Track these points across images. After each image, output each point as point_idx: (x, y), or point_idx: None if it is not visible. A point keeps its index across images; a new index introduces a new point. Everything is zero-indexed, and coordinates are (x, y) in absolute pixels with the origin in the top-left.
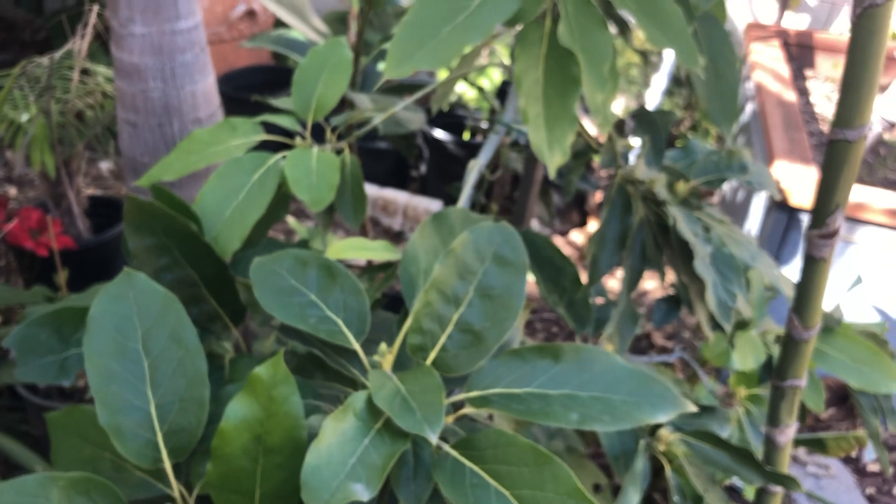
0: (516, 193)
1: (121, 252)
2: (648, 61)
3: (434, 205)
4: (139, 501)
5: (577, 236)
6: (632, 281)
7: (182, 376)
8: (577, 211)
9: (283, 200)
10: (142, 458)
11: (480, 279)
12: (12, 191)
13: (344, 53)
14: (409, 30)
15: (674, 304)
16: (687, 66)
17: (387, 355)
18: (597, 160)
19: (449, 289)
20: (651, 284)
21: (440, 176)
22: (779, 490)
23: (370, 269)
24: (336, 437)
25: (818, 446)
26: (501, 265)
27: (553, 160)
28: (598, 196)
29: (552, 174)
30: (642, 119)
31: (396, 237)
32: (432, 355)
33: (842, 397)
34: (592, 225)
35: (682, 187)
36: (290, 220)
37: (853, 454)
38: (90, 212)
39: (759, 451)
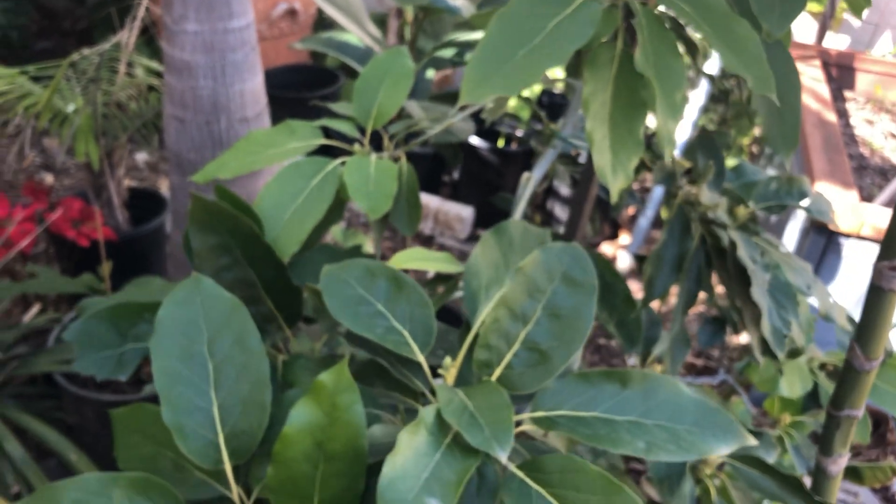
0: (548, 202)
1: (159, 245)
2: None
3: (465, 210)
4: (198, 502)
5: (608, 248)
6: (686, 304)
7: (245, 380)
8: (608, 223)
9: (338, 206)
10: (203, 458)
11: (549, 298)
12: (49, 179)
13: (405, 63)
14: (485, 52)
15: (720, 326)
16: (761, 93)
17: (451, 369)
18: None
19: (518, 306)
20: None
21: (473, 182)
22: None
23: (431, 281)
24: (410, 450)
25: (854, 475)
26: (571, 286)
27: (616, 184)
28: (630, 209)
29: (614, 198)
30: (704, 141)
31: (426, 241)
32: (497, 372)
33: (875, 424)
34: (623, 238)
35: (742, 212)
36: (335, 228)
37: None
38: (128, 203)
39: (801, 477)
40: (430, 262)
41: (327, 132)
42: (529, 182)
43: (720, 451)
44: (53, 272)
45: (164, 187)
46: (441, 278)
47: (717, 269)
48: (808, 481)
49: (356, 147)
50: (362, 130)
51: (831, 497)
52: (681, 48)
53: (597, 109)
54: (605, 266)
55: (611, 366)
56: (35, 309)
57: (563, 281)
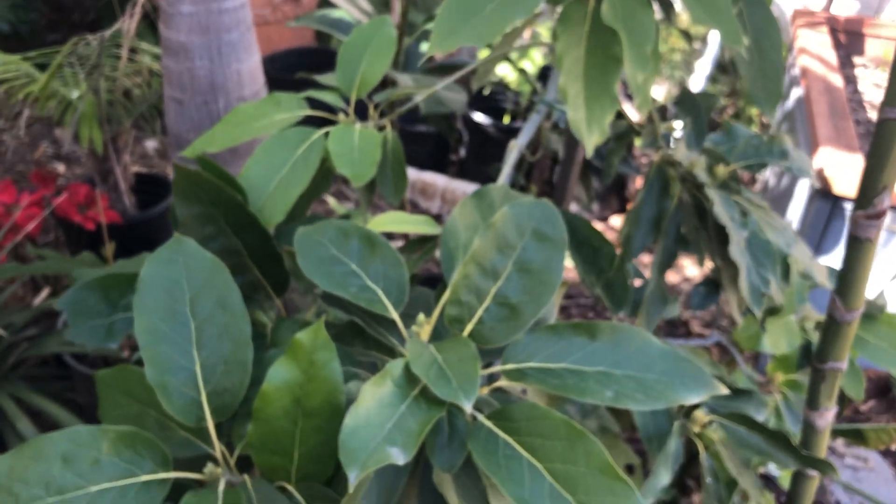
0: (555, 177)
1: (166, 228)
2: (692, 47)
3: (472, 188)
4: (182, 459)
5: (617, 221)
6: (663, 262)
7: (227, 339)
8: (616, 197)
9: (325, 176)
10: (186, 416)
11: (519, 254)
12: (60, 167)
13: (388, 31)
14: (454, 6)
15: (712, 288)
16: (730, 46)
17: (425, 326)
18: (638, 144)
19: (488, 262)
20: (694, 271)
21: (479, 160)
22: (815, 475)
23: (410, 244)
24: (374, 401)
25: (858, 438)
26: (541, 241)
27: (591, 139)
28: (638, 181)
29: (589, 153)
30: (685, 100)
31: (435, 220)
32: (469, 327)
33: (883, 390)
34: None
35: (721, 171)
36: (331, 200)
37: (893, 447)
38: (136, 188)
39: (797, 437)
40: (408, 224)
41: (313, 103)
42: (514, 150)
43: (690, 400)
44: (60, 255)
45: (171, 173)
46: (422, 241)
47: (699, 231)
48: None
49: (341, 117)
50: (347, 100)
51: (820, 451)
52: (657, 10)
53: (570, 65)
54: (591, 230)
55: None
56: (45, 292)
57: (533, 236)
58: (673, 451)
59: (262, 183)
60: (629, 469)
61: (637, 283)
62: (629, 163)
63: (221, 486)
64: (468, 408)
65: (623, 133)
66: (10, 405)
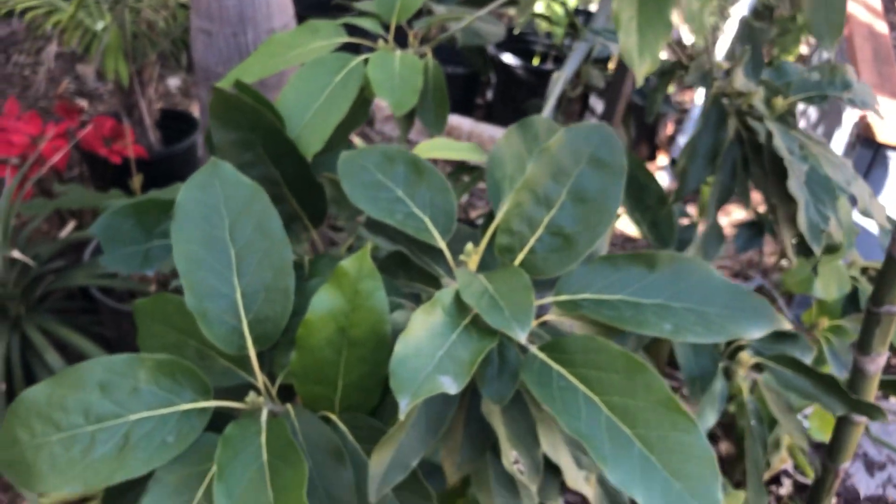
0: (584, 118)
1: (190, 164)
2: None
3: (499, 132)
4: (222, 389)
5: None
6: (720, 198)
7: (268, 267)
8: (646, 144)
9: (363, 105)
10: (227, 344)
11: (575, 181)
12: (83, 104)
13: None
14: None
15: (757, 230)
16: None
17: (473, 255)
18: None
19: (541, 189)
20: (723, 221)
21: (507, 103)
22: (862, 420)
23: (453, 173)
24: (424, 330)
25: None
26: (598, 167)
27: (642, 66)
28: (669, 128)
29: (640, 81)
30: (743, 31)
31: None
32: (520, 257)
33: None
34: (661, 159)
35: (779, 103)
36: (357, 141)
37: None
38: (160, 124)
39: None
40: (454, 151)
41: (351, 31)
42: (559, 81)
43: (752, 335)
44: (85, 189)
45: (195, 110)
46: (467, 170)
47: (753, 167)
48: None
49: (380, 43)
50: (386, 27)
51: (868, 396)
52: None
53: None
54: (639, 166)
55: None
56: (70, 225)
57: (589, 163)
58: (719, 392)
59: (300, 110)
60: None
61: (682, 221)
62: (670, 102)
63: (264, 416)
64: (522, 338)
65: (667, 69)
66: (38, 337)
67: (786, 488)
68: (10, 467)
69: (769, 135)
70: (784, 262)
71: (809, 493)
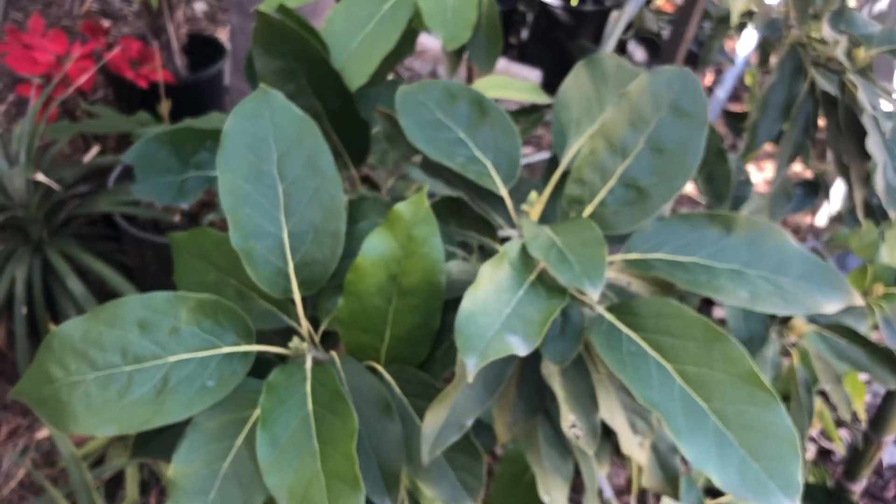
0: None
1: (216, 92)
2: None
3: (532, 74)
4: (263, 332)
5: None
6: (792, 154)
7: (318, 206)
8: None
9: (409, 37)
10: (272, 286)
11: (653, 130)
12: (106, 24)
13: None
14: None
15: (812, 189)
16: None
17: (535, 205)
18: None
19: (617, 138)
20: (757, 178)
21: (542, 43)
22: None
23: (513, 114)
24: (491, 284)
25: None
26: (679, 116)
27: (738, 3)
28: (707, 79)
29: (734, 20)
30: None
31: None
32: (589, 209)
33: None
34: None
35: (861, 55)
36: None
37: None
38: (187, 50)
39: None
40: (513, 90)
41: None
42: (619, 21)
43: (827, 309)
44: (111, 111)
45: (222, 36)
46: (525, 111)
47: (825, 120)
48: None
49: None
50: None
51: None
52: None
53: None
54: None
55: None
56: (95, 150)
57: (670, 111)
58: (770, 358)
59: (346, 39)
60: None
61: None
62: (724, 52)
63: (309, 363)
64: (595, 295)
65: (726, 16)
66: (60, 262)
67: (810, 453)
68: (43, 405)
69: (847, 91)
70: (819, 224)
71: (847, 462)
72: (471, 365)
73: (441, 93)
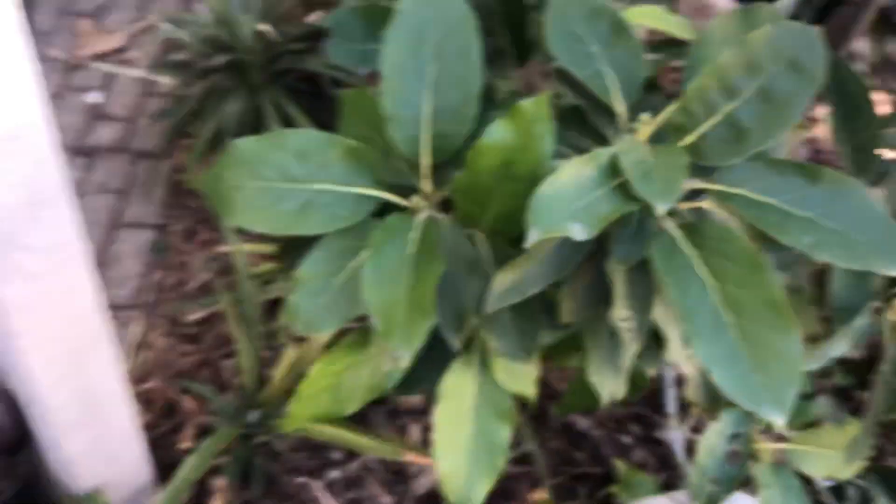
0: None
1: None
2: None
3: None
4: (393, 185)
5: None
6: None
7: (459, 90)
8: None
9: None
10: (407, 149)
11: (766, 79)
12: None
13: None
14: None
15: None
16: None
17: (646, 126)
18: None
19: (730, 79)
20: None
21: None
22: None
23: (657, 44)
24: (573, 178)
25: None
26: (794, 71)
27: None
28: None
29: None
30: None
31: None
32: (689, 138)
33: None
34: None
35: None
36: None
37: None
38: None
39: None
40: (664, 22)
41: None
42: None
43: (892, 271)
44: None
45: None
46: (667, 43)
47: None
48: None
49: None
50: None
51: None
52: None
53: None
54: (858, 84)
55: None
56: (317, 13)
57: (787, 65)
58: (858, 327)
59: None
60: (812, 340)
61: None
62: None
63: (422, 216)
64: (662, 210)
65: None
66: (269, 109)
67: None
68: (215, 197)
69: None
70: None
71: None
72: (533, 235)
73: (587, 9)
